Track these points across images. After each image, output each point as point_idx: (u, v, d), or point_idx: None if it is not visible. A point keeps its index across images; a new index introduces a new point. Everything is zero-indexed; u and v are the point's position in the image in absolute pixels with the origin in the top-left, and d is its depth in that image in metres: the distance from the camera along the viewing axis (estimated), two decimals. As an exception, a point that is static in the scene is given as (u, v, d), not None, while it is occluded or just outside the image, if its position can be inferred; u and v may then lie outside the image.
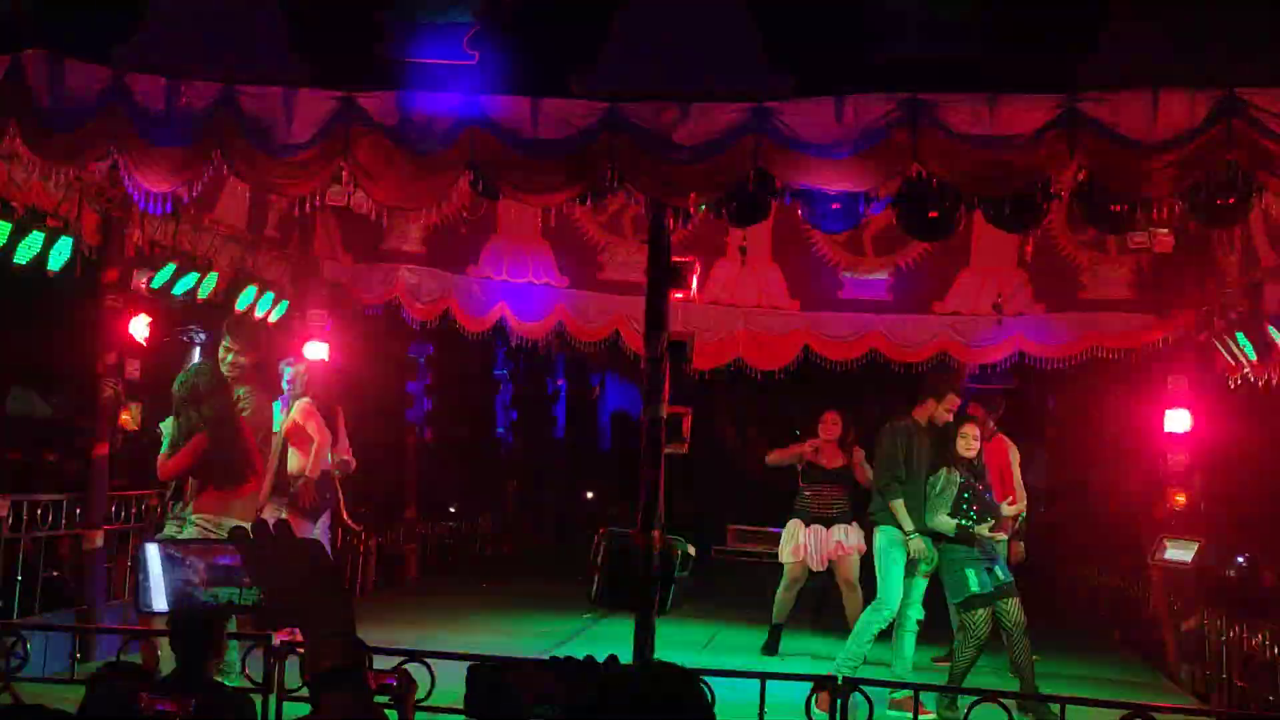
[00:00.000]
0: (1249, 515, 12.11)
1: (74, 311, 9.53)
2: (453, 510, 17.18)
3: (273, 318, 10.49)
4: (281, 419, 8.69)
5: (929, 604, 8.18)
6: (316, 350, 10.40)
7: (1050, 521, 15.01)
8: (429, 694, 5.00)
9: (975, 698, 5.49)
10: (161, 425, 7.22)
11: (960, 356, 10.93)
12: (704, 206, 6.54)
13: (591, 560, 8.11)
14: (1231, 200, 6.15)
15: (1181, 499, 9.85)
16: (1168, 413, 10.05)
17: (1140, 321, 10.33)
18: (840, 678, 5.58)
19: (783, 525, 9.81)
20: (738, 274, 10.92)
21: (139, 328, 8.47)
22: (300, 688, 4.83)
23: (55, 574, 8.51)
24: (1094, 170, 5.99)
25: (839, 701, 5.34)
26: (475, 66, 6.21)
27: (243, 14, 6.28)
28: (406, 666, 5.03)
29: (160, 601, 1.88)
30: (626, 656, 4.44)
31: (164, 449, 7.02)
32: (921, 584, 8.89)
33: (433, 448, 16.02)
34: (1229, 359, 9.31)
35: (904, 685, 7.10)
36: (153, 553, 1.87)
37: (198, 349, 8.94)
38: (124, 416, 8.42)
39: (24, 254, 7.57)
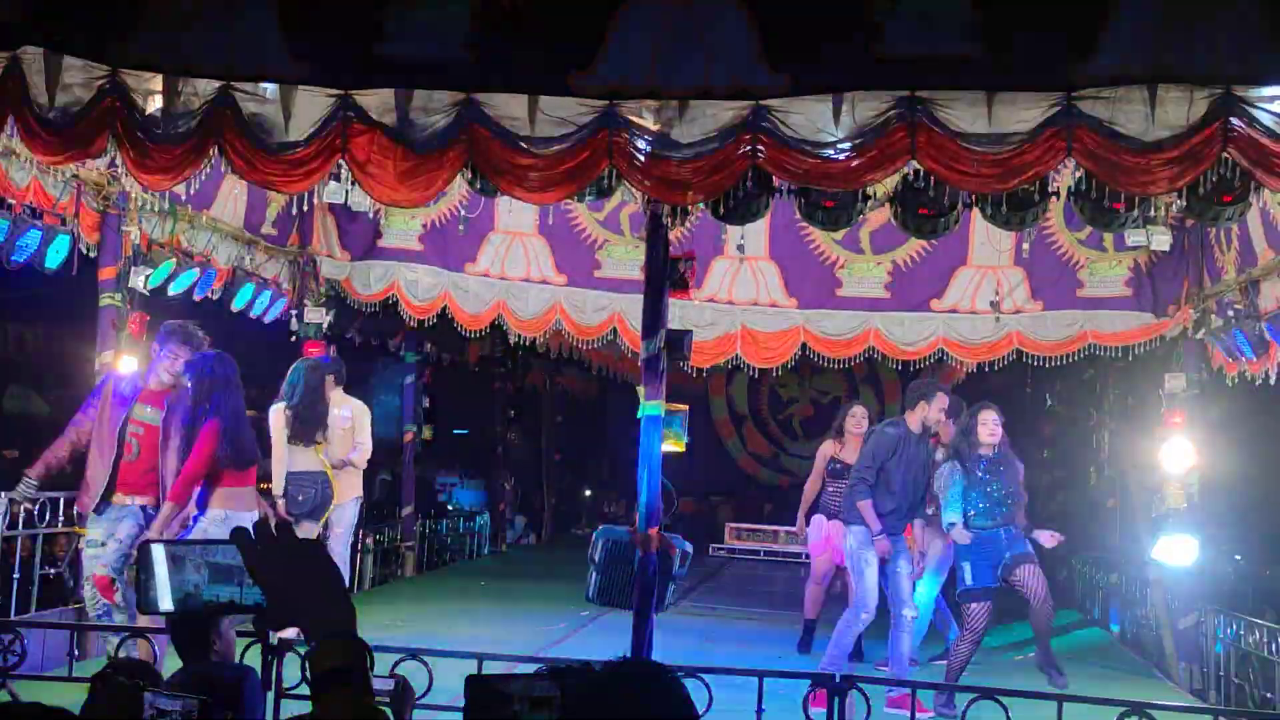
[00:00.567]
0: (1247, 513, 12.13)
1: (72, 309, 9.53)
2: (450, 508, 17.21)
3: (269, 316, 10.51)
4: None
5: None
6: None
7: (1050, 516, 15.02)
8: (426, 692, 5.00)
9: (974, 694, 5.49)
10: None
11: (958, 354, 10.95)
12: (702, 204, 6.54)
13: (589, 558, 8.13)
14: (1228, 198, 6.15)
15: (1180, 496, 9.86)
16: (1165, 410, 10.08)
17: (1138, 319, 10.35)
18: (838, 676, 5.57)
19: (781, 523, 9.85)
20: (735, 271, 10.95)
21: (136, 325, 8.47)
22: (298, 685, 4.82)
23: (52, 571, 8.50)
24: (1091, 168, 5.99)
25: (837, 700, 5.34)
26: (473, 64, 6.20)
27: (240, 11, 6.27)
28: (405, 666, 5.03)
29: (166, 602, 1.87)
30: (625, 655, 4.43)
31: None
32: (933, 581, 8.91)
33: (431, 445, 16.02)
34: (1226, 357, 9.33)
35: (902, 683, 7.11)
36: (158, 553, 1.86)
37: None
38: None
39: (22, 252, 7.57)
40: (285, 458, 8.97)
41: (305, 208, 9.93)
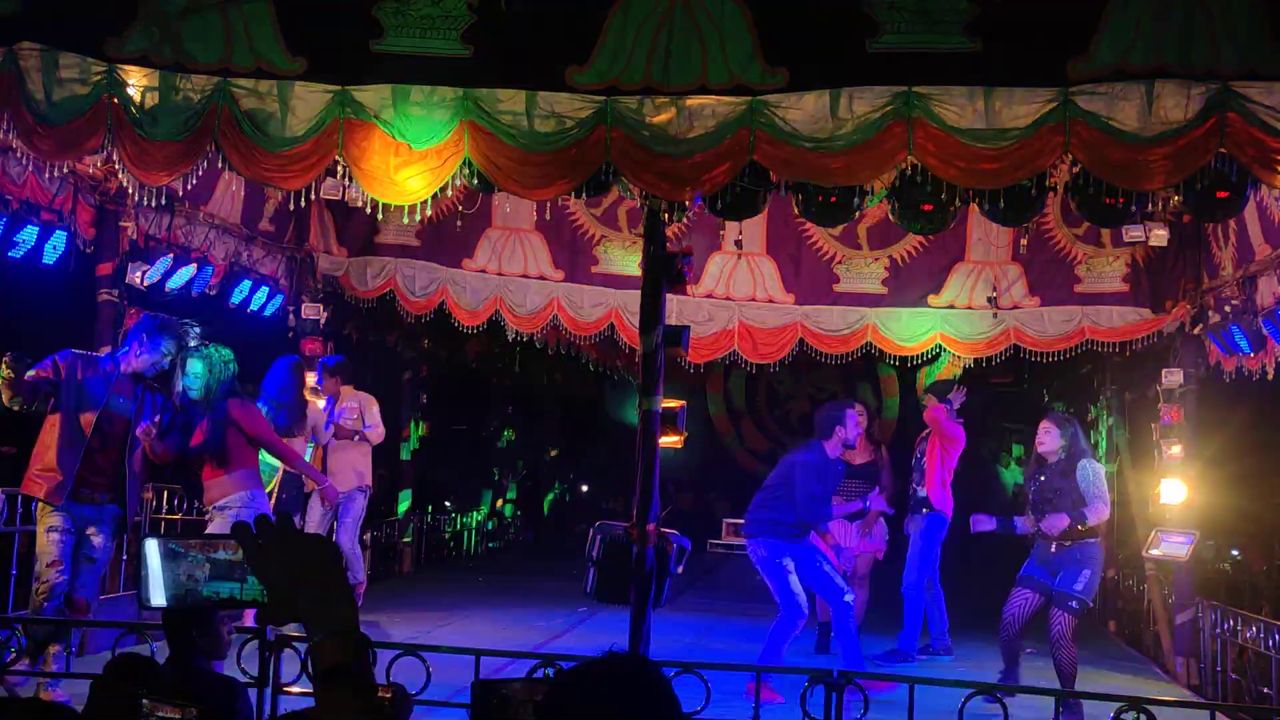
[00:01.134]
0: (1244, 508, 12.14)
1: (69, 305, 9.51)
2: (448, 504, 17.21)
3: (267, 311, 10.50)
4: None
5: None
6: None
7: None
8: (424, 688, 5.00)
9: (971, 690, 5.49)
10: None
11: (955, 349, 10.95)
12: (699, 200, 6.54)
13: (587, 554, 8.11)
14: (1225, 193, 6.15)
15: (1177, 493, 9.88)
16: (1162, 406, 10.10)
17: (1135, 314, 10.35)
18: (835, 672, 5.57)
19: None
20: (733, 267, 10.94)
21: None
22: (296, 680, 4.82)
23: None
24: (1089, 163, 5.99)
25: (834, 696, 5.33)
26: (471, 60, 6.20)
27: (238, 6, 6.26)
28: (402, 662, 5.03)
29: (159, 597, 1.87)
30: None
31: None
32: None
33: (429, 441, 16.01)
34: (1223, 352, 9.34)
35: (901, 681, 7.09)
36: (152, 548, 1.86)
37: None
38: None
39: (19, 247, 7.56)
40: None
41: (303, 204, 9.92)
